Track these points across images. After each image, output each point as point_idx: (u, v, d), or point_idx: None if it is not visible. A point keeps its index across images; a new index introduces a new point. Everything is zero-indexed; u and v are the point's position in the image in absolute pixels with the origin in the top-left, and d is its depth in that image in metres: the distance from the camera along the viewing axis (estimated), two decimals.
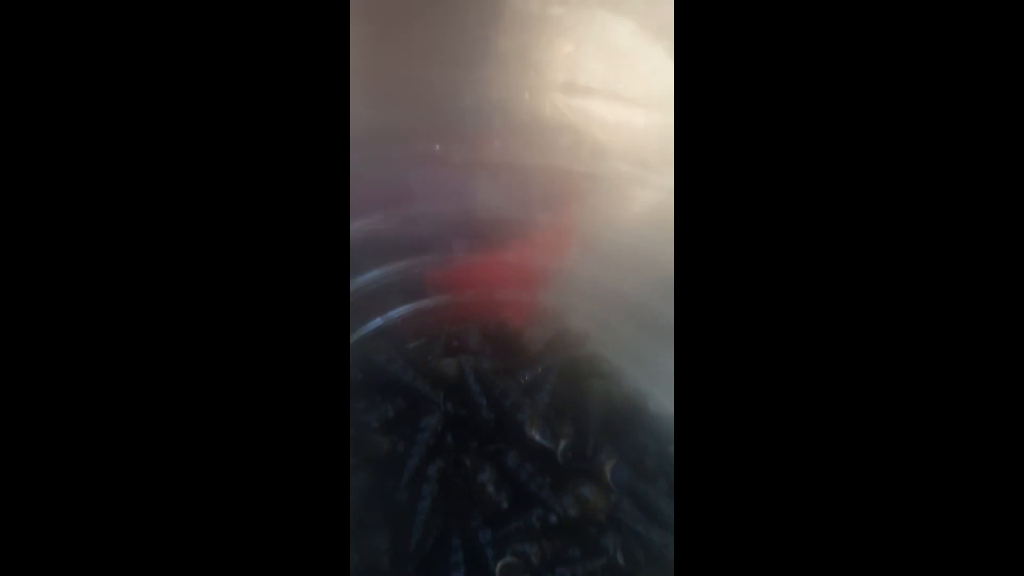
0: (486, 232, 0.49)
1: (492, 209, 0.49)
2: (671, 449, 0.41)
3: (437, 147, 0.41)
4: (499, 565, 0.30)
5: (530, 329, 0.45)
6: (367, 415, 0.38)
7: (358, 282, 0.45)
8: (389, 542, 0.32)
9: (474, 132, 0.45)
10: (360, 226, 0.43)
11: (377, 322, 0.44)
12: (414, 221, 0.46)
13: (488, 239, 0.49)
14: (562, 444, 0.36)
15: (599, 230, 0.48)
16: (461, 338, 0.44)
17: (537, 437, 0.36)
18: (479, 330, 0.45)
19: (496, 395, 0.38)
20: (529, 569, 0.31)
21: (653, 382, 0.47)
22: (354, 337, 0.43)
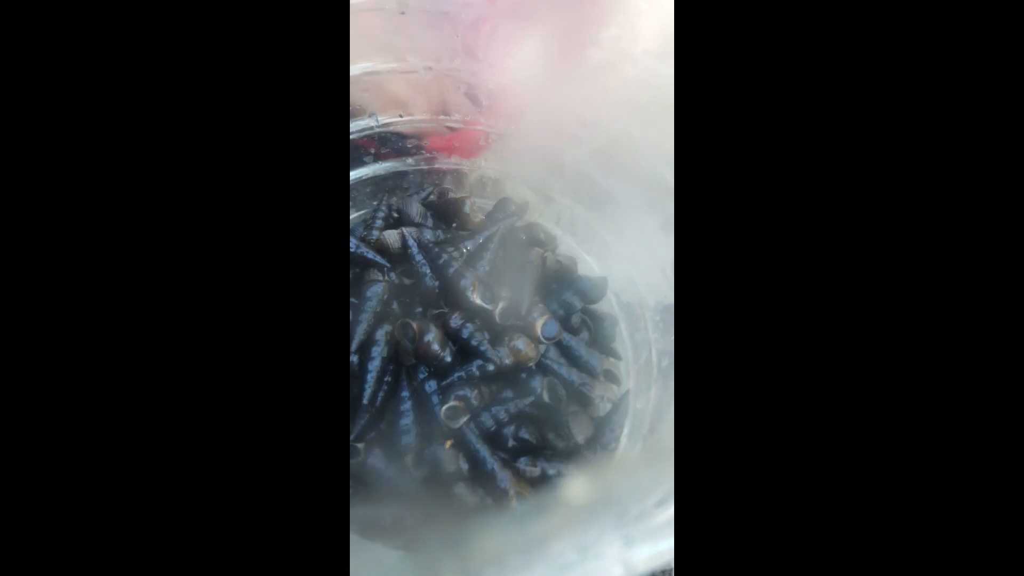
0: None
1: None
2: (594, 307, 0.46)
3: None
4: (443, 408, 0.35)
5: (471, 199, 0.45)
6: None
7: None
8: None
9: None
10: None
11: None
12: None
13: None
14: (500, 306, 0.40)
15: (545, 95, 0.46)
16: (402, 209, 0.44)
17: (478, 301, 0.39)
18: (419, 200, 0.45)
19: (439, 264, 0.40)
20: (470, 410, 0.36)
21: (583, 247, 0.51)
22: None
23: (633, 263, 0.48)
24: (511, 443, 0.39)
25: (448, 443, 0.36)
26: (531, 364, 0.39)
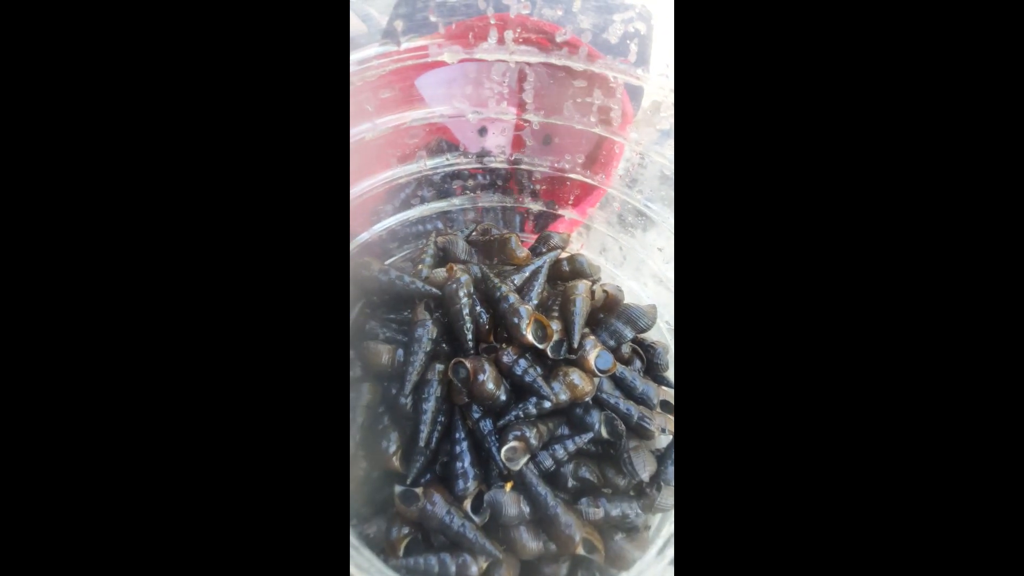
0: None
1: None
2: (644, 335, 0.44)
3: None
4: (503, 449, 0.33)
5: (515, 235, 0.43)
6: (367, 326, 0.38)
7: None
8: (396, 444, 0.34)
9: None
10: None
11: (363, 237, 0.42)
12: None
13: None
14: (552, 342, 0.37)
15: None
16: (448, 248, 0.43)
17: (529, 337, 0.37)
18: (464, 238, 0.44)
19: (494, 298, 0.38)
20: (530, 449, 0.34)
21: (627, 274, 0.49)
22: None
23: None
24: (571, 483, 0.36)
25: (508, 485, 0.34)
26: (588, 399, 0.37)
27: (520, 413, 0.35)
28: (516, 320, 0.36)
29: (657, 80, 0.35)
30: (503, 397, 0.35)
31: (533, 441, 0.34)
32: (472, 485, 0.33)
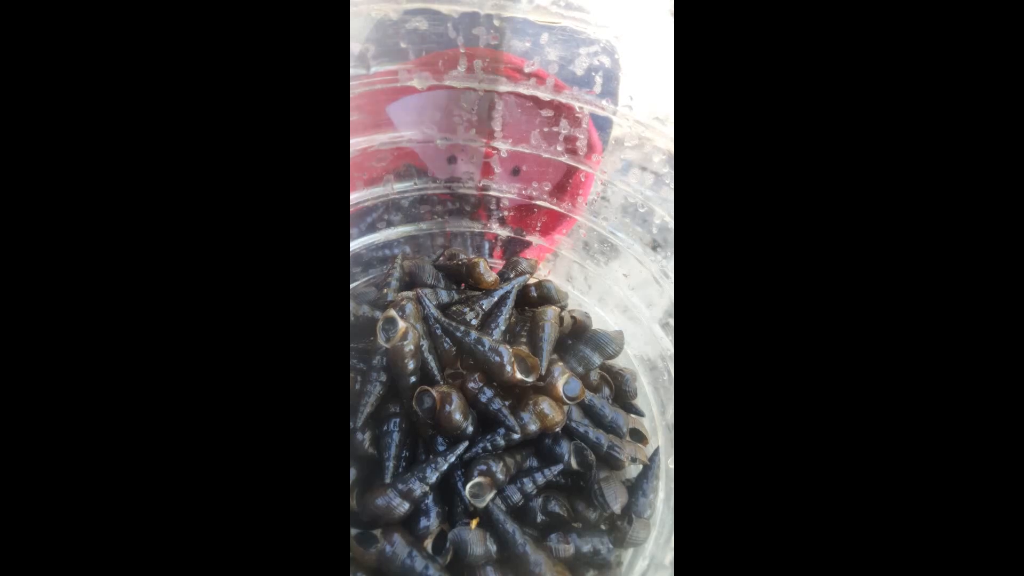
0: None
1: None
2: (612, 362, 0.43)
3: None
4: (468, 485, 0.31)
5: (483, 260, 0.43)
6: None
7: None
8: (354, 480, 0.31)
9: None
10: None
11: None
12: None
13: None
14: (537, 373, 0.35)
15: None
16: (415, 272, 0.42)
17: (518, 376, 0.34)
18: (431, 263, 0.43)
19: (458, 328, 0.37)
20: (496, 485, 0.32)
21: (595, 300, 0.48)
22: None
23: (641, 313, 0.45)
24: (540, 518, 0.34)
25: (474, 522, 0.31)
26: (558, 428, 0.35)
27: (488, 445, 0.33)
28: (498, 359, 0.34)
29: (621, 111, 0.35)
30: (470, 429, 0.33)
31: (500, 475, 0.31)
32: (434, 523, 0.31)
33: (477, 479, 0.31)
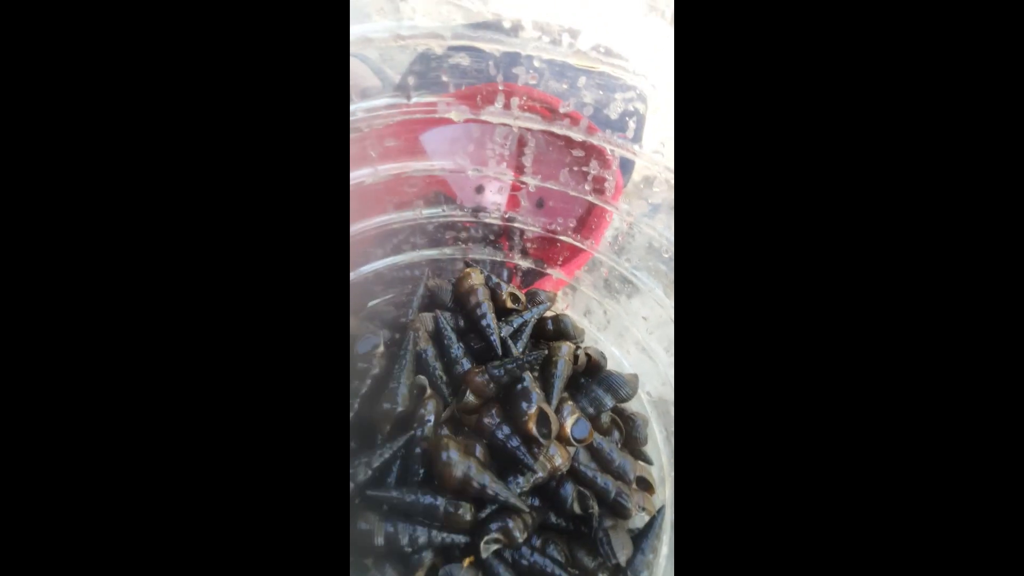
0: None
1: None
2: (624, 405, 0.41)
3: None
4: (482, 543, 0.29)
5: (507, 286, 0.42)
6: None
7: None
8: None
9: None
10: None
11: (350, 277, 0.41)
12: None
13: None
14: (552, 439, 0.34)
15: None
16: (436, 292, 0.41)
17: (534, 433, 0.33)
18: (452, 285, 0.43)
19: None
20: (511, 544, 0.30)
21: (610, 339, 0.47)
22: None
23: (658, 356, 0.43)
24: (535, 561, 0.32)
25: (467, 560, 0.30)
26: (562, 471, 0.34)
27: (509, 497, 0.30)
28: (525, 406, 0.33)
29: (651, 156, 0.35)
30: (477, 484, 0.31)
31: (516, 533, 0.30)
32: (427, 557, 0.29)
33: (495, 534, 0.29)
